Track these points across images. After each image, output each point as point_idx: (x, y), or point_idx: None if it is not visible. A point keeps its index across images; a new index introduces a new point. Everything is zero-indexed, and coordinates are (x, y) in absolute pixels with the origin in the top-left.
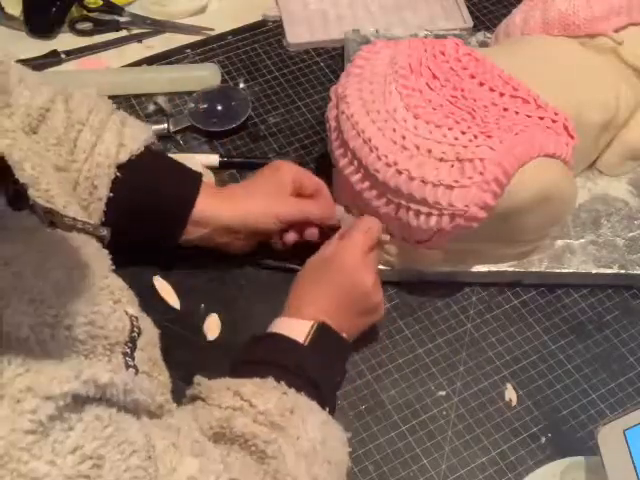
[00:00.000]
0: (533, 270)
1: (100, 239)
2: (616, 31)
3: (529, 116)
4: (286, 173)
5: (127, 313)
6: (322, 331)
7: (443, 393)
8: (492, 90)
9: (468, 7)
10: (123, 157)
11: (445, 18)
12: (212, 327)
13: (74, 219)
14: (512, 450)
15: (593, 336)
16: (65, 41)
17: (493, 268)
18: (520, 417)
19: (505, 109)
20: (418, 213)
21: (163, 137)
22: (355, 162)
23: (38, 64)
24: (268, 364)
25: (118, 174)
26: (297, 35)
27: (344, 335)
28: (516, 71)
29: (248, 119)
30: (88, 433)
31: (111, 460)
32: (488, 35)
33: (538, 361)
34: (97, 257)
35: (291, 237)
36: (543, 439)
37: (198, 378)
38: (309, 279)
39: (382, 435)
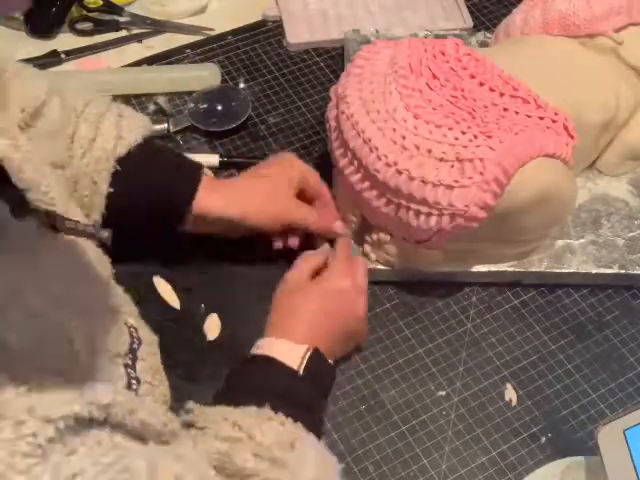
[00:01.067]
0: (533, 270)
1: (101, 241)
2: (616, 31)
3: (529, 116)
4: (296, 172)
5: (126, 324)
6: (316, 359)
7: (443, 393)
8: (492, 90)
9: (468, 7)
10: (121, 151)
11: (445, 18)
12: (212, 327)
13: (75, 222)
14: (512, 450)
15: (593, 336)
16: (65, 41)
17: (493, 268)
18: (520, 417)
19: (505, 109)
20: (418, 213)
21: (163, 137)
22: (355, 162)
23: (38, 64)
24: (263, 391)
25: (118, 168)
26: (297, 35)
27: (331, 362)
28: (516, 71)
29: (248, 119)
30: (89, 459)
31: None
32: (488, 35)
33: (538, 361)
34: (98, 265)
35: (279, 244)
36: (543, 439)
37: (192, 405)
38: (295, 298)
39: (382, 435)
